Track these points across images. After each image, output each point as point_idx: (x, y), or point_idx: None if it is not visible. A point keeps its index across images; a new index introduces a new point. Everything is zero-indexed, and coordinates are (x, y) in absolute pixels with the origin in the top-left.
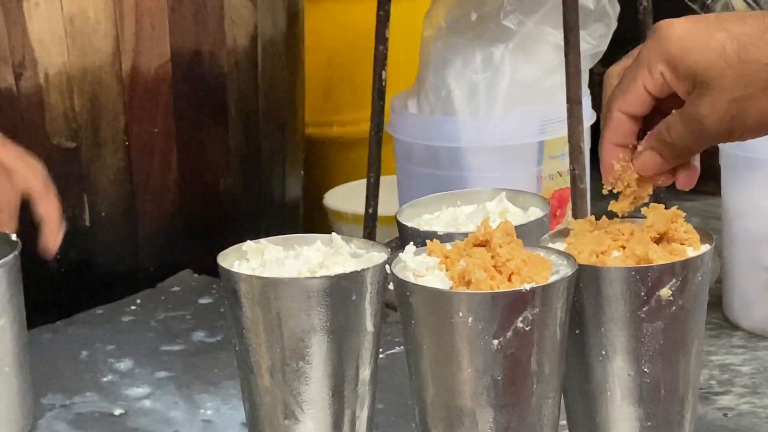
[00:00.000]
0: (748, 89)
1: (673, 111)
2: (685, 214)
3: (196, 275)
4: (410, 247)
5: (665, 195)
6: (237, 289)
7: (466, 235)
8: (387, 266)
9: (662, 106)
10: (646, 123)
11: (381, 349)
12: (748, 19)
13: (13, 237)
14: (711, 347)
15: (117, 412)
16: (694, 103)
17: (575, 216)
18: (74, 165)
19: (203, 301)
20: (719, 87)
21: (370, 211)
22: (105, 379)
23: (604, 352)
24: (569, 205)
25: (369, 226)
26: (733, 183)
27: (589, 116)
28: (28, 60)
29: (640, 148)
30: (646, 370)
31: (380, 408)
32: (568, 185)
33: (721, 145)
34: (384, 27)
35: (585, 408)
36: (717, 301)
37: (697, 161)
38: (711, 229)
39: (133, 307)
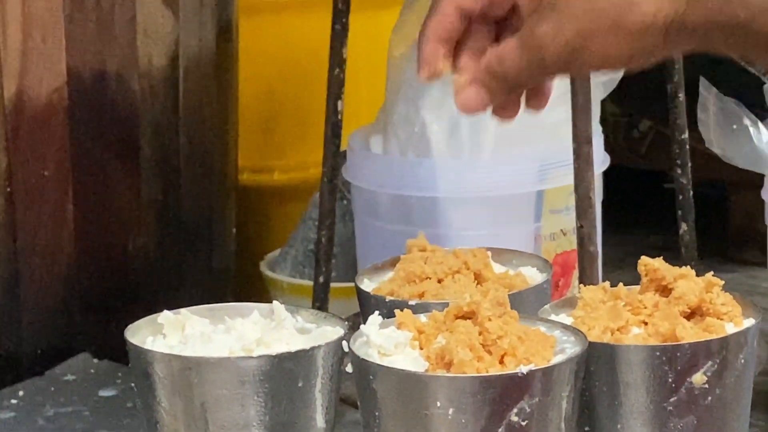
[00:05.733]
0: (594, 24)
1: (507, 39)
2: (723, 282)
3: (95, 360)
4: (374, 318)
5: (696, 264)
6: (151, 372)
7: (445, 304)
8: (344, 343)
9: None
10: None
11: None
12: None
13: None
14: None
15: None
16: (537, 26)
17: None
18: None
19: (105, 393)
20: (568, 14)
21: (321, 279)
22: None
23: None
24: (575, 273)
25: (320, 299)
26: None
27: (601, 160)
28: None
29: (459, 80)
30: None
31: None
32: (574, 247)
33: None
34: (341, 45)
35: None
36: (762, 399)
37: (550, 85)
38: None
39: (14, 401)
